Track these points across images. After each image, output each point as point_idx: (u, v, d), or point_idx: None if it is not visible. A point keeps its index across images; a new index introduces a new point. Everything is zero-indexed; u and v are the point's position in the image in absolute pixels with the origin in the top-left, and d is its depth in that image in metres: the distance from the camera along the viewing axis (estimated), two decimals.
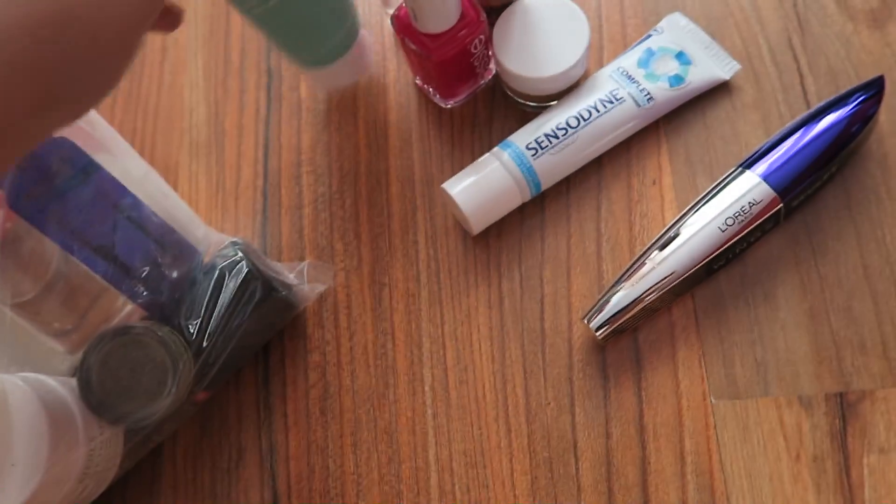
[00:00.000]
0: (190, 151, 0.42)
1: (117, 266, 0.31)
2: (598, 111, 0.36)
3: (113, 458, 0.31)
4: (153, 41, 0.45)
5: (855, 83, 0.36)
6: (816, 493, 0.31)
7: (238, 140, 0.42)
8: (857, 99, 0.35)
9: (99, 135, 0.32)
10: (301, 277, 0.36)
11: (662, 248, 0.34)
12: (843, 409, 0.32)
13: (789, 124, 0.35)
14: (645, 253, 0.34)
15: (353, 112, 0.41)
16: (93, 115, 0.33)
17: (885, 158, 0.35)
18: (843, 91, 0.35)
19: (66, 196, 0.30)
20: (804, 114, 0.35)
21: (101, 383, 0.30)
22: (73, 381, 0.31)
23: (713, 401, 0.33)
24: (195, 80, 0.44)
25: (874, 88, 0.35)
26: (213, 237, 0.37)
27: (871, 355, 0.33)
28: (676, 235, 0.34)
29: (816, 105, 0.36)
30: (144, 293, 0.32)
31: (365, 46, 0.38)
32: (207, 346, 0.32)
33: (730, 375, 0.33)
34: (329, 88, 0.41)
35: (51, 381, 0.30)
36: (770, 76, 0.38)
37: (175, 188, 0.40)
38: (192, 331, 0.32)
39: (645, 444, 0.33)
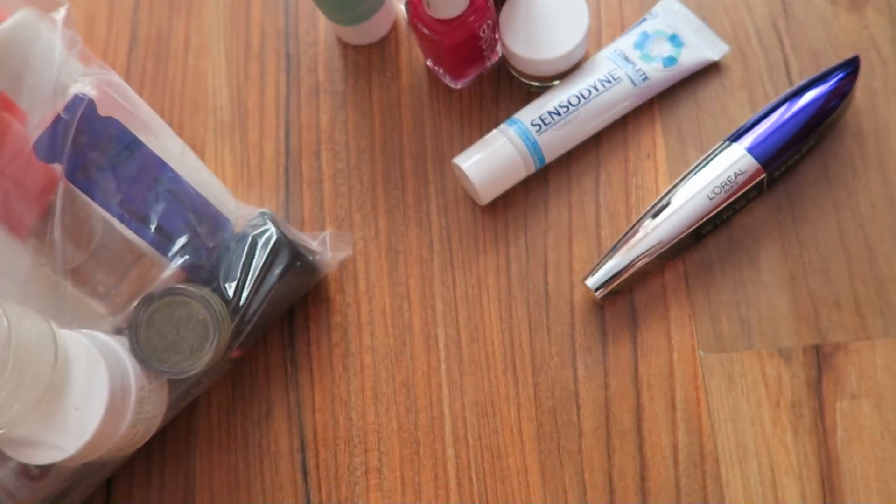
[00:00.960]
0: (215, 131, 0.45)
1: (160, 234, 0.34)
2: (598, 90, 0.39)
3: (159, 407, 0.34)
4: (177, 29, 0.47)
5: (834, 63, 0.39)
6: (794, 435, 0.35)
7: (260, 120, 0.45)
8: (835, 77, 0.38)
9: (140, 115, 0.35)
10: (323, 245, 0.39)
11: (655, 215, 0.37)
12: (819, 361, 0.36)
13: (772, 101, 0.38)
14: (640, 220, 0.37)
15: (368, 93, 0.44)
16: (134, 97, 0.36)
17: (860, 133, 0.39)
18: (823, 70, 0.38)
19: (115, 170, 0.33)
20: (788, 90, 0.38)
21: (149, 339, 0.33)
22: (123, 338, 0.34)
23: (702, 354, 0.36)
24: (218, 65, 0.46)
25: (851, 67, 0.38)
26: (242, 210, 0.40)
27: (845, 311, 0.36)
28: (668, 204, 0.37)
29: (798, 83, 0.39)
30: (185, 258, 0.35)
31: (392, 6, 0.42)
32: (243, 305, 0.35)
33: (717, 331, 0.37)
34: (361, 42, 0.44)
35: (106, 337, 0.33)
36: (756, 57, 0.41)
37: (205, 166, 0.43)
38: (229, 292, 0.35)
39: (640, 393, 0.36)
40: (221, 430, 0.39)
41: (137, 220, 0.34)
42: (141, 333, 0.33)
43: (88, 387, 0.31)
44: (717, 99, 0.41)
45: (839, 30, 0.40)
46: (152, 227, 0.34)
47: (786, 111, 0.37)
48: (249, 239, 0.36)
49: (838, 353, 0.35)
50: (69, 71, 0.33)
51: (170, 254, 0.34)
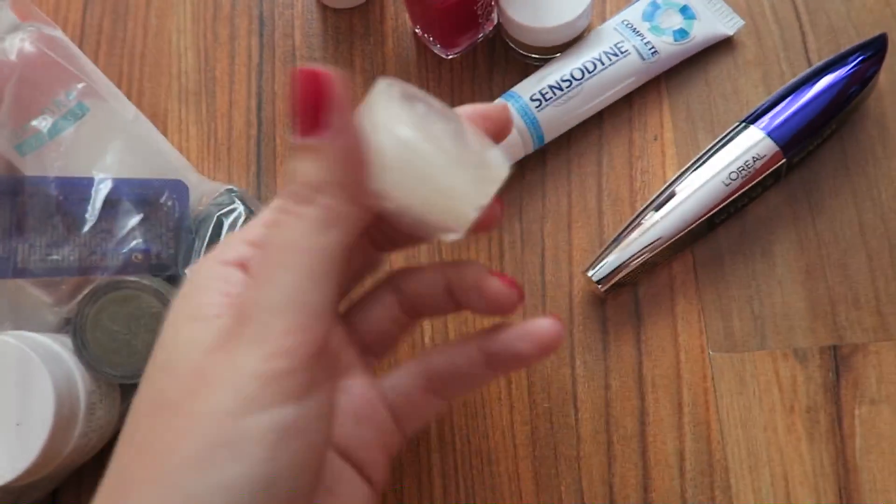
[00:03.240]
0: (179, 99, 0.40)
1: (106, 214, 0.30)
2: (604, 64, 0.36)
3: (112, 411, 0.30)
4: None
5: (855, 41, 0.36)
6: (809, 442, 0.32)
7: (230, 88, 0.40)
8: (856, 58, 0.35)
9: (86, 76, 0.31)
10: None
11: (665, 202, 0.34)
12: (837, 362, 0.33)
13: (791, 81, 0.35)
14: (647, 207, 0.34)
15: (349, 61, 0.40)
16: (79, 56, 0.32)
17: (882, 118, 0.36)
18: (844, 49, 0.36)
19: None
20: (806, 71, 0.35)
21: (97, 340, 0.29)
22: (67, 338, 0.30)
23: (711, 353, 0.34)
24: (183, 25, 0.42)
25: (874, 48, 0.35)
26: (205, 185, 0.36)
27: (864, 310, 0.33)
28: (679, 190, 0.34)
29: (817, 63, 0.36)
30: (136, 242, 0.31)
31: None
32: None
33: (727, 329, 0.34)
34: (343, 6, 0.40)
35: (43, 338, 0.29)
36: (772, 33, 0.38)
37: (165, 136, 0.38)
38: None
39: (644, 395, 0.33)
40: None
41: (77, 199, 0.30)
42: (87, 335, 0.29)
43: (28, 397, 0.26)
44: (730, 78, 0.38)
45: (861, 6, 0.38)
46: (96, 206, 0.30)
47: (806, 92, 0.34)
48: (214, 219, 0.32)
49: (857, 355, 0.33)
50: (1, 25, 0.28)
51: (118, 238, 0.30)
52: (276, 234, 0.21)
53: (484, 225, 0.25)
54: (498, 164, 0.24)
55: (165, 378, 0.20)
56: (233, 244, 0.23)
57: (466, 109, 0.26)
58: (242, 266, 0.22)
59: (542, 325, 0.25)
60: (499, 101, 0.36)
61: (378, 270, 0.29)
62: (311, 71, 0.20)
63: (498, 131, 0.26)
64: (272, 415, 0.19)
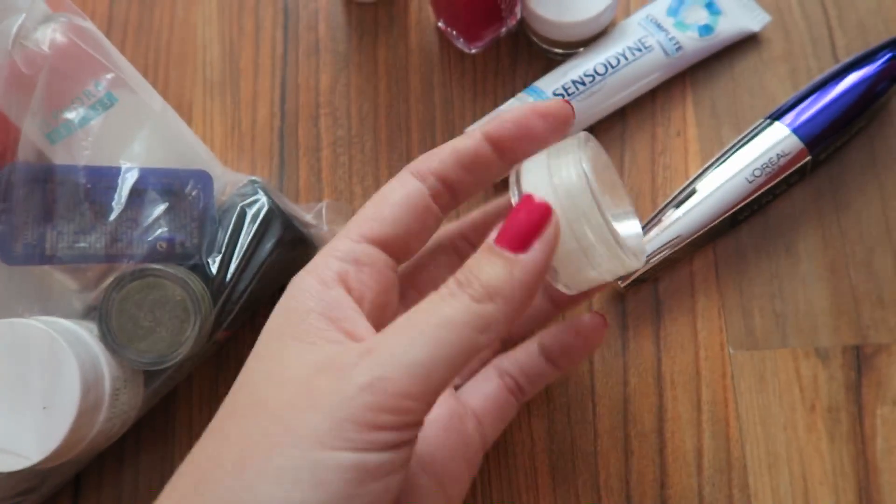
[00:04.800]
0: (204, 90, 0.41)
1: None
2: (627, 59, 0.35)
3: (136, 397, 0.31)
4: None
5: (884, 38, 0.36)
6: (830, 442, 0.32)
7: (254, 79, 0.41)
8: (885, 55, 0.34)
9: (116, 67, 0.31)
10: (319, 218, 0.36)
11: (687, 198, 0.33)
12: (860, 362, 0.33)
13: (817, 78, 0.35)
14: (669, 203, 0.34)
15: (373, 54, 0.40)
16: (109, 47, 0.32)
17: None
18: (873, 45, 0.35)
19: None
20: (833, 67, 0.35)
21: (122, 326, 0.30)
22: (92, 325, 0.30)
23: (731, 351, 0.33)
24: (209, 16, 0.42)
25: None
26: (229, 176, 0.36)
27: (888, 309, 0.33)
28: (702, 187, 0.33)
29: (845, 60, 0.35)
30: (161, 231, 0.31)
31: None
32: (230, 281, 0.31)
33: (748, 326, 0.34)
34: (365, 0, 0.41)
35: (69, 324, 0.30)
36: (799, 29, 0.37)
37: (189, 126, 0.39)
38: (213, 267, 0.31)
39: (662, 392, 0.33)
40: (203, 418, 0.36)
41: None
42: (112, 321, 0.30)
43: (55, 381, 0.27)
44: (756, 73, 0.37)
45: (891, 2, 0.37)
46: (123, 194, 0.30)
47: (832, 89, 0.34)
48: (238, 209, 0.32)
49: (880, 355, 0.33)
50: (34, 15, 0.29)
51: (143, 227, 0.31)
52: (436, 303, 0.21)
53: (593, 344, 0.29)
54: (637, 257, 0.25)
55: (270, 387, 0.21)
56: (328, 263, 0.24)
57: (524, 109, 0.26)
58: (342, 281, 0.23)
59: (581, 323, 0.28)
60: (520, 93, 0.36)
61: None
62: (542, 204, 0.22)
63: (559, 127, 0.26)
64: (359, 457, 0.20)
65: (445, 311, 0.21)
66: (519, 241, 0.22)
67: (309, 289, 0.23)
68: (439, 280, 0.27)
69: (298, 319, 0.22)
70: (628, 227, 0.26)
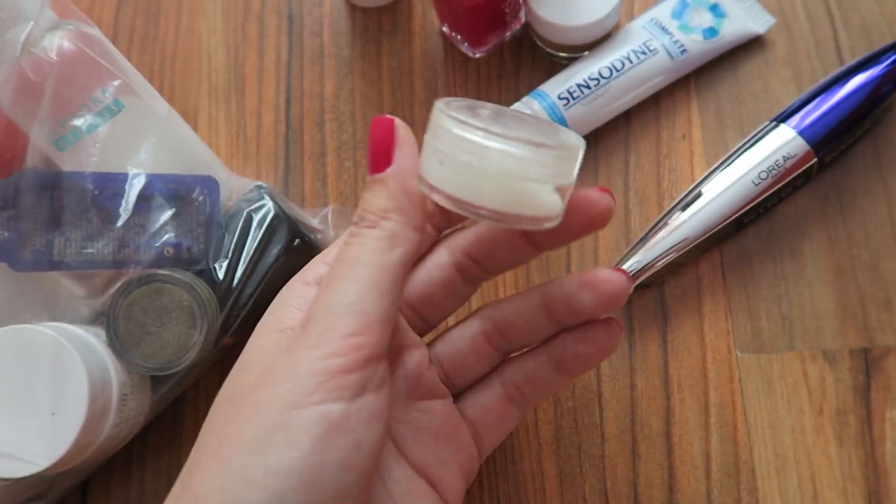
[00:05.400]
0: (209, 96, 0.41)
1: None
2: (632, 62, 0.35)
3: (143, 403, 0.31)
4: None
5: (889, 40, 0.36)
6: (838, 445, 0.32)
7: (259, 86, 0.41)
8: (890, 57, 0.34)
9: (122, 74, 0.32)
10: (325, 223, 0.36)
11: (693, 201, 0.33)
12: (867, 365, 0.32)
13: (823, 80, 0.35)
14: (674, 206, 0.34)
15: (377, 60, 0.40)
16: (116, 54, 0.32)
17: None
18: (877, 47, 0.35)
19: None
20: (838, 69, 0.35)
21: (129, 332, 0.30)
22: (100, 330, 0.31)
23: (738, 354, 0.33)
24: (213, 24, 0.42)
25: None
26: (235, 181, 0.36)
27: (895, 312, 0.33)
28: (707, 190, 0.33)
29: (850, 62, 0.35)
30: (168, 237, 0.32)
31: None
32: (237, 286, 0.31)
33: (755, 329, 0.34)
34: (371, 4, 0.41)
35: (77, 329, 0.30)
36: (803, 31, 0.37)
37: (195, 133, 0.39)
38: (220, 273, 0.31)
39: (669, 395, 0.33)
40: None
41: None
42: (120, 326, 0.30)
43: (63, 387, 0.27)
44: (760, 76, 0.37)
45: (894, 3, 0.37)
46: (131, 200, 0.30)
47: (838, 91, 0.34)
48: (244, 214, 0.33)
49: (888, 358, 0.32)
50: (42, 23, 0.29)
51: (150, 232, 0.31)
52: (344, 251, 0.23)
53: (594, 216, 0.25)
54: (571, 142, 0.24)
55: (241, 375, 0.23)
56: (314, 265, 0.26)
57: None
58: (320, 284, 0.24)
59: (598, 329, 0.27)
60: (524, 98, 0.36)
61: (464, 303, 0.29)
62: (382, 118, 0.24)
63: (595, 220, 0.26)
64: (322, 409, 0.21)
65: (353, 251, 0.23)
66: (380, 160, 0.23)
67: (292, 288, 0.25)
68: (435, 295, 0.27)
69: (277, 314, 0.24)
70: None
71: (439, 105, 0.23)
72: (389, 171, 0.23)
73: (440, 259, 0.28)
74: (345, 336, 0.21)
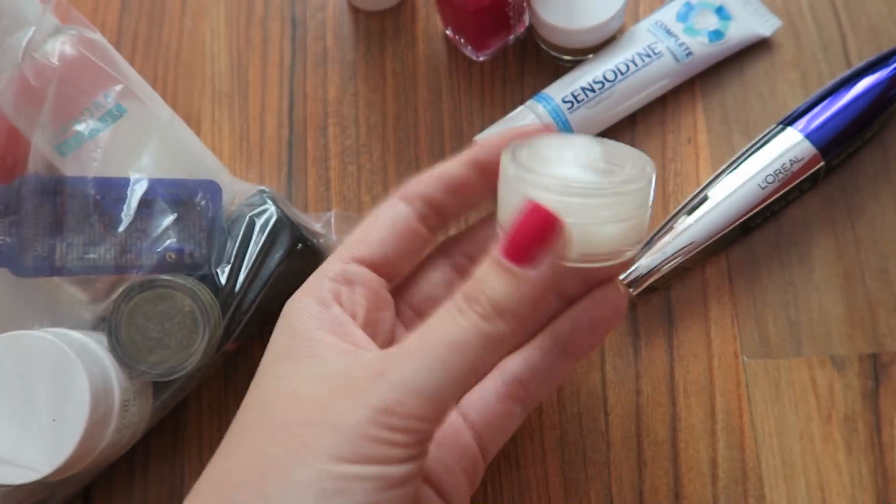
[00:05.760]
0: (213, 101, 0.41)
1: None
2: (637, 65, 0.35)
3: (145, 409, 0.31)
4: None
5: None
6: (847, 452, 0.31)
7: (262, 90, 0.41)
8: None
9: (125, 79, 0.32)
10: (328, 228, 0.36)
11: (698, 206, 0.33)
12: (876, 371, 0.32)
13: (830, 82, 0.35)
14: (680, 210, 0.34)
15: (380, 63, 0.40)
16: (118, 59, 0.32)
17: None
18: (885, 49, 0.35)
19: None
20: (846, 72, 0.35)
21: (131, 338, 0.30)
22: (102, 336, 0.30)
23: (745, 360, 0.33)
24: (217, 28, 0.42)
25: None
26: (238, 186, 0.36)
27: None
28: (713, 194, 0.33)
29: (857, 64, 0.35)
30: (170, 242, 0.31)
31: None
32: (239, 292, 0.31)
33: (762, 335, 0.33)
34: (374, 8, 0.41)
35: (78, 335, 0.29)
36: (810, 33, 0.37)
37: (199, 136, 0.39)
38: (222, 278, 0.31)
39: (675, 401, 0.33)
40: (213, 429, 0.36)
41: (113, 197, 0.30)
42: (122, 332, 0.30)
43: (65, 393, 0.27)
44: (766, 79, 0.37)
45: None
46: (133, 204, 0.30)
47: (845, 94, 0.34)
48: (246, 219, 0.32)
49: None
50: (44, 28, 0.29)
51: (153, 237, 0.31)
52: (447, 327, 0.21)
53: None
54: (640, 172, 0.24)
55: (285, 405, 0.22)
56: (322, 282, 0.25)
57: (505, 133, 0.26)
58: (336, 300, 0.24)
59: (608, 291, 0.27)
60: (529, 101, 0.36)
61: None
62: (546, 211, 0.21)
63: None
64: (379, 469, 0.20)
65: (454, 331, 0.21)
66: (524, 253, 0.21)
67: (308, 308, 0.24)
68: (434, 296, 0.27)
69: (305, 337, 0.23)
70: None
71: (507, 158, 0.23)
72: (532, 274, 0.21)
73: (441, 265, 0.28)
74: (413, 418, 0.21)
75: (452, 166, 0.27)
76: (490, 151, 0.26)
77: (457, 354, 0.21)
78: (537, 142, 0.25)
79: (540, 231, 0.21)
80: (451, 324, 0.21)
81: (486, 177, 0.26)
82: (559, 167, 0.23)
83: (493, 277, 0.21)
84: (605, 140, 0.26)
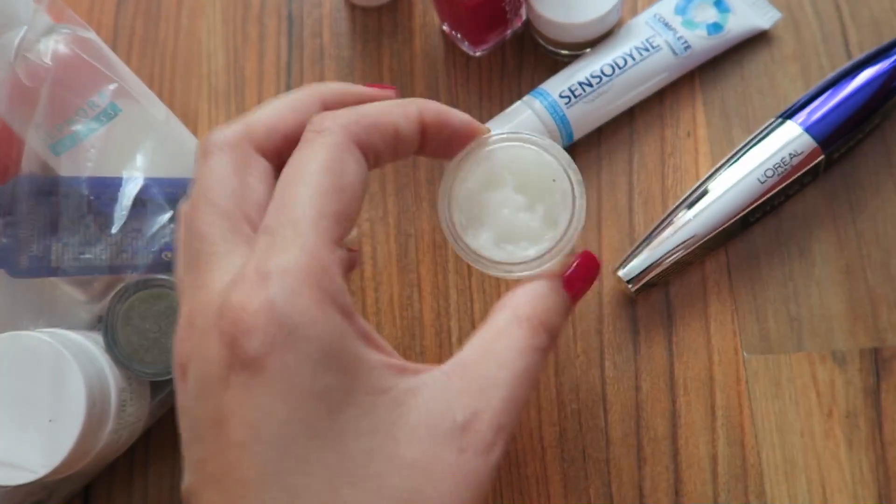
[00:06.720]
0: (209, 99, 0.41)
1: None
2: (635, 59, 0.35)
3: (143, 409, 0.31)
4: None
5: None
6: (848, 448, 0.31)
7: (259, 88, 0.41)
8: None
9: (119, 78, 0.31)
10: None
11: (697, 200, 0.33)
12: (878, 366, 0.32)
13: (831, 75, 0.34)
14: (679, 205, 0.33)
15: (377, 60, 0.40)
16: (113, 58, 0.32)
17: None
18: (886, 41, 0.34)
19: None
20: (846, 64, 0.34)
21: (127, 338, 0.30)
22: (99, 336, 0.30)
23: (745, 355, 0.33)
24: (213, 26, 0.42)
25: None
26: None
27: None
28: (713, 188, 0.33)
29: (858, 56, 0.35)
30: (164, 241, 0.31)
31: None
32: None
33: (763, 330, 0.33)
34: (371, 4, 0.40)
35: (75, 335, 0.29)
36: (811, 26, 0.37)
37: (195, 135, 0.39)
38: None
39: (675, 397, 0.33)
40: None
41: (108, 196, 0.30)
42: (118, 332, 0.30)
43: (61, 394, 0.27)
44: (766, 72, 0.37)
45: None
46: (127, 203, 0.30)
47: (845, 87, 0.33)
48: None
49: None
50: (36, 27, 0.29)
51: (148, 237, 0.30)
52: (523, 359, 0.23)
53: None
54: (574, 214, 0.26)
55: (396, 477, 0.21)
56: (333, 279, 0.20)
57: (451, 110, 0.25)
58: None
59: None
60: (526, 96, 0.36)
61: None
62: (597, 262, 0.26)
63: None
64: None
65: (528, 364, 0.23)
66: (577, 288, 0.25)
67: (338, 325, 0.20)
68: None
69: (363, 370, 0.20)
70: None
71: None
72: (571, 302, 0.25)
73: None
74: (507, 440, 0.22)
75: (406, 126, 0.24)
76: (438, 121, 0.25)
77: (528, 382, 0.23)
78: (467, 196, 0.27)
79: (591, 274, 0.26)
80: (526, 356, 0.23)
81: (425, 143, 0.25)
82: (501, 248, 0.26)
83: (558, 306, 0.24)
84: (518, 156, 0.26)
